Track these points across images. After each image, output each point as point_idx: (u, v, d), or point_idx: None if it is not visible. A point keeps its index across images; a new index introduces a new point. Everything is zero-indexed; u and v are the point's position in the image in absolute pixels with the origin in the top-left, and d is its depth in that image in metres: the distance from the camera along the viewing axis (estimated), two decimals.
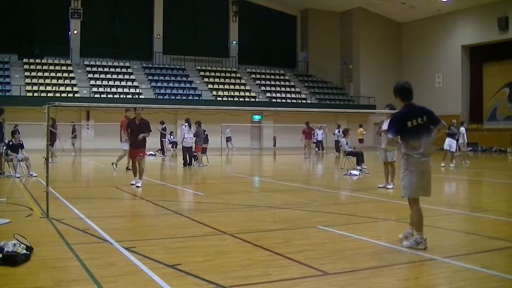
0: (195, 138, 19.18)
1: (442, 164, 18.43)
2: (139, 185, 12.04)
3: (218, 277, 4.69)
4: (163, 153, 26.78)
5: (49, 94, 31.66)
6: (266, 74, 42.60)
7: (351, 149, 17.87)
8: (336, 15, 43.87)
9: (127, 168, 16.71)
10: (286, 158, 27.08)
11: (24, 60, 35.74)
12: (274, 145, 38.74)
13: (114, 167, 16.95)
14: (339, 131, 28.67)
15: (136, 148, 12.43)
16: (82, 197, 10.91)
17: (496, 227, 7.53)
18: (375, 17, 42.23)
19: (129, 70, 38.11)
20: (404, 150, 5.97)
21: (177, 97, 35.80)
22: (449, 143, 18.85)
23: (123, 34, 39.41)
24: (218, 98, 37.15)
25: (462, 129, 20.48)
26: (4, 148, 14.57)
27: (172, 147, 31.49)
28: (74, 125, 29.57)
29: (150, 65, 39.62)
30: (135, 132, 12.37)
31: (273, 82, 41.68)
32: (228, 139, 33.07)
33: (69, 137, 28.67)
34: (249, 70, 42.55)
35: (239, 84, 40.07)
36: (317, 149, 33.55)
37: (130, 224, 7.95)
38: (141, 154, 12.48)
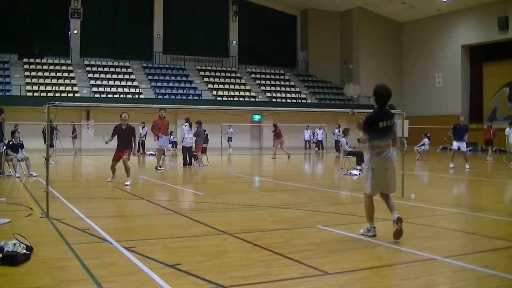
0: (195, 138, 19.18)
1: (451, 165, 17.83)
2: (128, 183, 12.39)
3: (218, 277, 4.69)
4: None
5: (49, 94, 31.65)
6: (266, 74, 42.59)
7: (351, 149, 17.87)
8: (336, 15, 43.86)
9: (156, 168, 17.26)
10: (286, 158, 27.07)
11: (24, 60, 35.72)
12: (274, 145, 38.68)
13: (159, 168, 17.33)
14: (339, 131, 28.69)
15: (123, 150, 12.95)
16: (82, 197, 10.91)
17: (496, 227, 7.53)
18: (375, 17, 42.21)
19: (129, 70, 38.11)
20: (370, 148, 6.45)
21: (177, 97, 35.80)
22: (458, 144, 17.95)
23: (123, 34, 39.40)
24: (218, 98, 37.14)
25: (508, 130, 20.34)
26: (4, 148, 14.58)
27: (172, 147, 31.47)
28: (74, 125, 29.54)
29: (150, 65, 39.62)
30: (122, 137, 12.95)
31: (273, 82, 41.68)
32: (229, 139, 33.07)
33: (70, 137, 28.72)
34: (249, 70, 42.55)
35: (239, 84, 40.06)
36: (317, 149, 33.59)
37: (130, 224, 7.95)
38: (127, 154, 12.98)
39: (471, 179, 15.91)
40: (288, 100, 39.34)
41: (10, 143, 14.95)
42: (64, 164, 20.81)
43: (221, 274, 4.82)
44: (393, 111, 11.98)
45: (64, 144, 26.72)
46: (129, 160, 13.00)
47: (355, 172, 15.78)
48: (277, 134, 26.38)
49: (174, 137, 31.37)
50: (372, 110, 6.62)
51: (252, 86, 40.53)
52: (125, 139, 12.94)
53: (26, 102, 30.55)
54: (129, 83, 36.45)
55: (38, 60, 35.96)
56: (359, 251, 5.87)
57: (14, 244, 5.25)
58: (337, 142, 28.88)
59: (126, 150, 12.98)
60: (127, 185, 12.28)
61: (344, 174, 15.79)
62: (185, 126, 19.10)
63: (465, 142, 18.25)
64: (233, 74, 41.09)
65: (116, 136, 13.05)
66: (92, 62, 37.83)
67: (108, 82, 35.86)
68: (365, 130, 6.42)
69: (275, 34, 43.74)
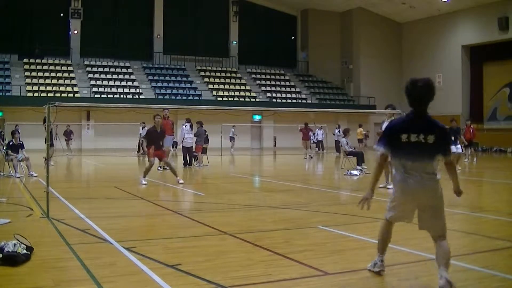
0: (195, 138, 19.18)
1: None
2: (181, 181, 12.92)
3: (218, 277, 4.69)
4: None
5: (49, 94, 31.66)
6: (266, 74, 42.60)
7: (351, 149, 17.85)
8: (336, 15, 43.87)
9: (158, 168, 17.03)
10: (286, 158, 27.08)
11: (24, 60, 35.74)
12: (275, 145, 38.73)
13: (159, 169, 17.18)
14: (339, 131, 28.69)
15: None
16: (82, 197, 10.91)
17: (496, 227, 7.53)
18: (375, 17, 42.22)
19: (129, 70, 38.12)
20: (394, 168, 4.68)
21: (177, 97, 35.80)
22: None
23: (123, 34, 39.42)
24: (219, 98, 37.16)
25: None
26: (4, 148, 14.58)
27: (172, 147, 31.45)
28: (69, 127, 29.05)
29: (150, 65, 39.63)
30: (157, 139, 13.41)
31: (273, 82, 41.68)
32: (232, 139, 33.05)
33: (70, 138, 28.61)
34: (249, 70, 42.55)
35: (239, 84, 40.07)
36: (317, 149, 33.58)
37: (130, 224, 7.95)
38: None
39: (471, 179, 15.90)
40: (288, 100, 39.34)
41: (11, 143, 14.95)
42: (64, 164, 20.81)
43: (221, 274, 4.82)
44: (393, 111, 11.96)
45: (64, 144, 26.73)
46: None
47: (355, 172, 15.78)
48: (305, 134, 26.50)
49: (174, 137, 31.36)
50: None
51: (252, 86, 40.54)
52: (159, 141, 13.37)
53: (26, 102, 30.57)
54: (129, 83, 36.46)
55: (38, 60, 35.99)
56: (359, 251, 5.88)
57: (15, 245, 5.25)
58: (337, 142, 28.86)
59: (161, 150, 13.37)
60: (181, 183, 12.74)
61: (344, 174, 15.79)
62: (185, 126, 19.09)
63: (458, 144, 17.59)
64: (233, 74, 41.10)
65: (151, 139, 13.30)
66: (92, 63, 37.84)
67: (108, 83, 35.87)
68: (379, 142, 4.64)
69: (275, 34, 43.73)
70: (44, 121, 18.89)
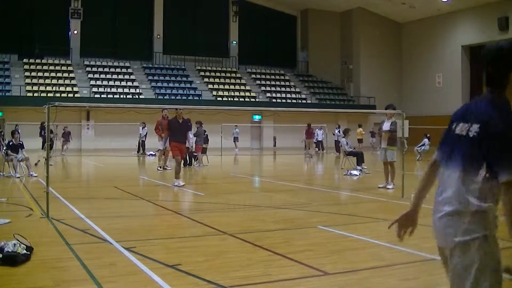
0: (195, 138, 19.17)
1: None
2: (177, 184, 12.31)
3: (218, 277, 4.69)
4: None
5: (49, 94, 31.62)
6: (266, 74, 42.58)
7: (351, 149, 17.85)
8: (336, 15, 43.86)
9: (158, 168, 17.01)
10: (286, 158, 27.09)
11: (24, 60, 35.71)
12: (274, 145, 38.72)
13: (159, 169, 17.13)
14: (339, 131, 28.71)
15: (182, 143, 12.79)
16: (82, 197, 10.91)
17: None
18: (375, 17, 42.21)
19: (129, 70, 38.11)
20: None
21: (177, 97, 35.77)
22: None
23: (123, 34, 39.39)
24: (218, 98, 37.15)
25: None
26: (4, 148, 14.58)
27: None
28: (66, 127, 28.48)
29: (150, 65, 39.61)
30: (179, 131, 12.76)
31: (273, 82, 41.67)
32: (236, 139, 33.05)
33: (68, 140, 28.42)
34: (249, 70, 42.54)
35: (239, 84, 40.06)
36: (317, 149, 33.60)
37: (130, 224, 7.95)
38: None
39: None
40: (288, 101, 39.34)
41: (10, 143, 14.94)
42: (64, 164, 20.80)
43: (221, 274, 4.82)
44: (393, 111, 11.94)
45: (60, 145, 26.69)
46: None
47: (355, 172, 15.78)
48: (309, 134, 26.51)
49: None
50: None
51: (252, 86, 40.53)
52: (182, 132, 12.81)
53: (26, 102, 30.54)
54: (129, 83, 36.45)
55: (38, 60, 35.95)
56: (359, 251, 5.88)
57: (14, 245, 5.25)
58: (337, 142, 28.87)
59: (183, 144, 12.86)
60: (178, 186, 12.18)
61: (344, 175, 15.79)
62: None
63: None
64: (233, 75, 41.09)
65: (172, 130, 12.83)
66: (92, 63, 37.82)
67: (108, 83, 35.86)
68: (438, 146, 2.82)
69: (275, 34, 43.69)
70: (42, 126, 18.76)
